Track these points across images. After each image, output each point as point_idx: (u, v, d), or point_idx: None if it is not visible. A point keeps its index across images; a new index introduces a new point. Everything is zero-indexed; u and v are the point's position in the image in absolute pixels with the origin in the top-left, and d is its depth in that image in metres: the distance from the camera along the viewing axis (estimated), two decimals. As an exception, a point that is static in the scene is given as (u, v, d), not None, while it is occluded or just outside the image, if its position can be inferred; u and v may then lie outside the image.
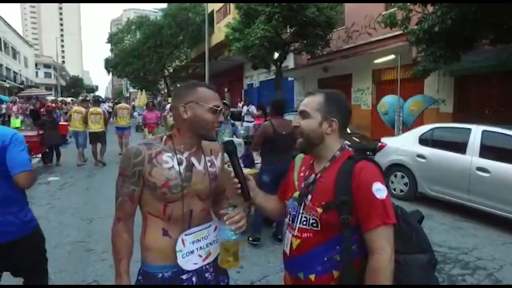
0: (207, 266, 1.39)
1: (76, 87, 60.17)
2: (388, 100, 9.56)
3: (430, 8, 7.22)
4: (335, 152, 1.31)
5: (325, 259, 1.23)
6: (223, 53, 22.64)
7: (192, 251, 1.33)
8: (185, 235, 1.32)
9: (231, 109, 9.10)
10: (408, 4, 7.40)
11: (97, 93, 56.17)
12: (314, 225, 1.26)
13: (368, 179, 1.19)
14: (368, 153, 7.71)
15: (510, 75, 8.67)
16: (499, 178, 4.51)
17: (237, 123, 6.64)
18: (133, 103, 24.11)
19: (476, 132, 4.90)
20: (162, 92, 36.03)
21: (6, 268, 1.97)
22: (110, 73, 34.45)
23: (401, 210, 1.27)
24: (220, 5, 22.80)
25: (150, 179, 1.27)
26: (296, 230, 1.31)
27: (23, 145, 1.92)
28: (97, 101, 10.00)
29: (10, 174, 1.83)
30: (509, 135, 4.63)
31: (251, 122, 11.80)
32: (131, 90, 41.49)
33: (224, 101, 5.37)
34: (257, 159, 4.35)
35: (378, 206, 1.16)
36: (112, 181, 1.38)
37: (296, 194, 1.35)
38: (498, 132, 4.75)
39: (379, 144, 6.47)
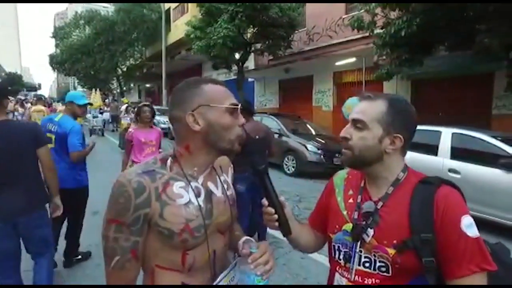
0: None
1: (14, 84, 54.87)
2: (354, 102, 9.71)
3: (393, 13, 7.41)
4: (398, 173, 1.04)
5: None
6: (180, 52, 21.90)
7: None
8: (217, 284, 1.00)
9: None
10: (374, 7, 7.51)
11: (39, 92, 51.85)
12: (383, 269, 0.98)
13: (455, 212, 0.93)
14: (337, 155, 7.76)
15: (460, 80, 9.22)
16: (469, 178, 4.64)
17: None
18: None
19: (446, 134, 5.02)
20: (115, 91, 34.11)
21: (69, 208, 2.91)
22: (56, 71, 31.87)
23: (491, 246, 1.01)
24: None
25: (162, 224, 0.92)
26: (353, 275, 1.03)
27: (78, 134, 3.11)
28: (41, 99, 10.26)
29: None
30: (476, 137, 4.79)
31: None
32: (80, 89, 38.82)
33: None
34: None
35: (471, 247, 0.90)
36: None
37: (348, 226, 1.06)
38: (467, 134, 4.90)
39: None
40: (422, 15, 6.24)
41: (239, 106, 1.01)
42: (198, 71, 22.49)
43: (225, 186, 1.11)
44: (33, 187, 2.40)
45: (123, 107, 13.66)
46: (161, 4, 20.34)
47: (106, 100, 24.90)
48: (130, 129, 4.10)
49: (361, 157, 1.02)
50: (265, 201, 1.05)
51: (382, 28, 7.37)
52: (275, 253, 3.83)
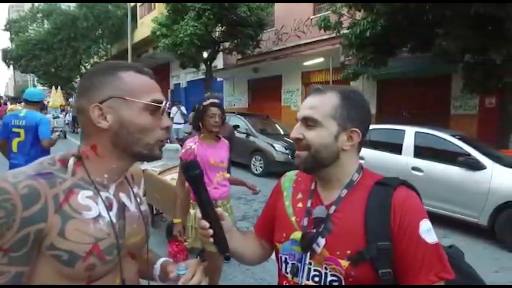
0: None
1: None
2: None
3: (359, 14, 7.53)
4: (352, 174, 0.93)
5: None
6: (147, 51, 21.24)
7: None
8: None
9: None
10: (340, 7, 7.60)
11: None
12: (336, 283, 0.86)
13: (414, 217, 0.84)
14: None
15: (422, 81, 9.57)
16: (431, 176, 4.76)
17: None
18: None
19: (410, 133, 5.12)
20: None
21: None
22: (10, 67, 29.88)
23: (446, 251, 0.92)
24: (143, -2, 21.34)
25: (61, 245, 0.68)
26: None
27: (47, 124, 3.47)
28: (15, 99, 11.17)
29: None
30: (437, 136, 4.93)
31: (181, 123, 11.21)
32: (40, 87, 36.68)
33: None
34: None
35: (430, 255, 0.82)
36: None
37: (297, 235, 0.93)
38: (429, 133, 5.03)
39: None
40: (385, 17, 6.37)
41: (163, 104, 0.81)
42: (165, 70, 21.96)
43: (138, 200, 0.90)
44: None
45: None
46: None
47: (70, 100, 23.67)
48: (190, 143, 2.49)
49: (318, 157, 0.90)
50: (198, 213, 0.89)
51: (348, 29, 7.47)
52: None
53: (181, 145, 5.05)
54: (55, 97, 18.09)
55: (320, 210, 0.91)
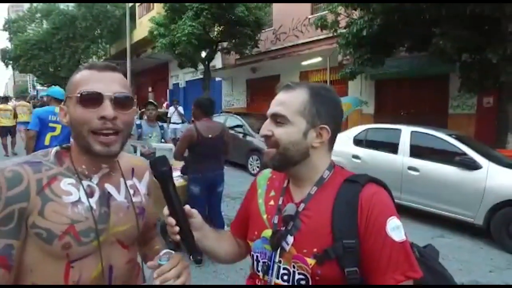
0: None
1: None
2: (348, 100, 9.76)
3: (356, 13, 7.52)
4: (323, 172, 0.92)
5: None
6: (146, 50, 21.23)
7: None
8: None
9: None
10: (336, 6, 7.59)
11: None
12: (303, 282, 0.85)
13: (381, 214, 0.82)
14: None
15: (420, 81, 9.56)
16: (427, 176, 4.74)
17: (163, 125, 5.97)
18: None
19: (406, 133, 5.11)
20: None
21: None
22: (9, 67, 29.86)
23: (418, 249, 0.92)
24: (142, -2, 21.32)
25: (41, 223, 0.77)
26: None
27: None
28: (6, 99, 10.84)
29: None
30: (433, 135, 4.91)
31: (179, 123, 11.20)
32: (39, 87, 36.62)
33: (151, 100, 4.73)
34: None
35: (397, 253, 0.80)
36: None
37: (267, 233, 0.93)
38: (425, 133, 5.01)
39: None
40: (381, 16, 6.36)
41: (96, 93, 0.80)
42: (164, 70, 21.96)
43: (132, 191, 0.94)
44: None
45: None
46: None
47: None
48: None
49: (286, 155, 0.89)
50: (166, 210, 0.88)
51: (345, 28, 7.46)
52: (213, 266, 3.63)
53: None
54: None
55: (290, 208, 0.90)
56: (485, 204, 4.22)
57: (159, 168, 0.86)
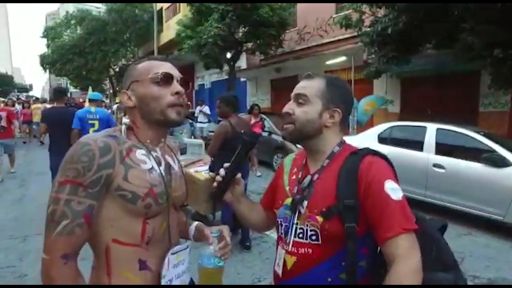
0: None
1: (4, 85, 54.08)
2: (371, 98, 9.74)
3: (381, 11, 7.47)
4: (333, 147, 1.11)
5: (329, 279, 1.00)
6: (172, 53, 21.78)
7: (171, 280, 1.01)
8: (172, 254, 1.00)
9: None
10: (361, 5, 7.57)
11: (31, 93, 51.22)
12: (314, 238, 1.03)
13: (379, 177, 0.97)
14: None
15: (447, 78, 9.33)
16: (453, 173, 4.69)
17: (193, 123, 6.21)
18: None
19: (431, 130, 5.07)
20: (107, 92, 33.85)
21: None
22: (47, 71, 31.53)
23: (416, 215, 1.05)
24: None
25: (126, 186, 0.90)
26: (290, 246, 1.07)
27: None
28: (38, 99, 14.20)
29: None
30: (460, 132, 4.85)
31: (205, 122, 11.49)
32: (72, 90, 38.38)
33: None
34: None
35: (395, 210, 0.94)
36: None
37: (288, 200, 1.12)
38: (451, 130, 4.96)
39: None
40: (407, 13, 6.30)
41: (170, 75, 0.99)
42: (190, 71, 22.45)
43: (178, 164, 1.13)
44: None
45: (115, 106, 13.62)
46: (153, 4, 20.24)
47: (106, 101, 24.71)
48: None
49: (302, 130, 1.09)
50: (227, 168, 1.13)
51: (369, 27, 7.43)
52: (259, 248, 3.84)
53: (206, 144, 5.27)
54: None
55: (307, 179, 1.09)
56: (516, 202, 4.13)
57: (251, 139, 1.12)
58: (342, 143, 1.12)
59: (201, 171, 3.67)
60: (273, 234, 3.85)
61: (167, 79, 0.99)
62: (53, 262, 0.84)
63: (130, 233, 0.93)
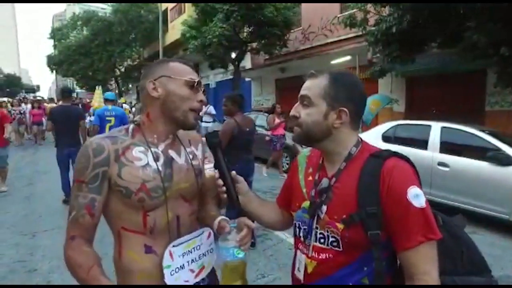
0: (201, 283, 1.13)
1: (12, 86, 54.70)
2: (375, 97, 9.69)
3: (385, 10, 7.46)
4: (350, 148, 1.04)
5: (351, 283, 0.99)
6: (177, 53, 21.92)
7: (182, 266, 1.07)
8: (173, 246, 1.06)
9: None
10: (365, 5, 7.57)
11: (38, 94, 51.73)
12: (335, 244, 1.00)
13: (401, 183, 0.92)
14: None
15: (453, 77, 9.26)
16: (457, 172, 4.69)
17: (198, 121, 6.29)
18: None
19: (436, 128, 5.07)
20: (113, 92, 34.11)
21: None
22: (54, 72, 31.87)
23: (443, 217, 1.03)
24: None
25: (120, 183, 1.01)
26: (311, 250, 1.05)
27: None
28: (52, 99, 14.05)
29: None
30: (465, 130, 4.84)
31: (210, 122, 11.54)
32: (78, 90, 38.73)
33: None
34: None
35: (417, 218, 0.91)
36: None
37: (306, 204, 1.08)
38: (456, 128, 4.95)
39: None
40: (411, 12, 6.30)
41: (197, 81, 1.09)
42: (195, 71, 22.52)
43: (191, 156, 1.18)
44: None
45: (125, 105, 13.77)
46: (158, 5, 20.38)
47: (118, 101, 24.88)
48: None
49: (309, 133, 1.04)
50: (216, 174, 1.11)
51: (374, 26, 7.42)
52: (263, 245, 3.88)
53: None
54: (96, 97, 18.78)
55: (325, 182, 1.05)
56: (522, 200, 4.12)
57: (211, 139, 1.11)
58: (360, 143, 1.05)
59: (205, 169, 3.72)
60: (277, 232, 3.88)
61: (198, 86, 1.09)
62: (66, 243, 1.00)
63: (134, 223, 1.04)
